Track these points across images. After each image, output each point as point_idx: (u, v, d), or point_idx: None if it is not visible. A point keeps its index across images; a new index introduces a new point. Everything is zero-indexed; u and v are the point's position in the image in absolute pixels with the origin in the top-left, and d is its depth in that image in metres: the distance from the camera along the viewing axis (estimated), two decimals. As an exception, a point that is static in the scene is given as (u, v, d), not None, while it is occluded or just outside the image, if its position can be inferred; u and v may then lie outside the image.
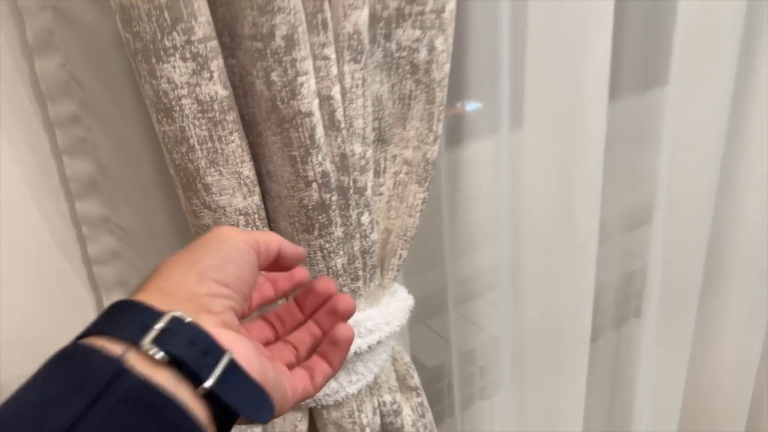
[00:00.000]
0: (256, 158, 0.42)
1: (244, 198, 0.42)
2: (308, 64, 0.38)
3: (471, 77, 0.60)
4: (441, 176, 0.65)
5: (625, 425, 0.93)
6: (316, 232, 0.43)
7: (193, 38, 0.36)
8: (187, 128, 0.38)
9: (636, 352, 0.84)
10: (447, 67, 0.47)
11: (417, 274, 0.69)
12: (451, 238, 0.68)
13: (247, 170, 0.41)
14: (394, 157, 0.49)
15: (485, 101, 0.62)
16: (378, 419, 0.52)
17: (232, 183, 0.41)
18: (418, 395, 0.57)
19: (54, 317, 0.51)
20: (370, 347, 0.48)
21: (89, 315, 0.50)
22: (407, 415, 0.56)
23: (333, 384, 0.48)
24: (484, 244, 0.70)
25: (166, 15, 0.35)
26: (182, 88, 0.37)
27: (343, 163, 0.42)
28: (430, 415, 0.59)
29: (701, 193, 0.80)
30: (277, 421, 0.50)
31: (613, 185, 0.75)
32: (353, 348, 0.47)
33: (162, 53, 0.36)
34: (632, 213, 0.80)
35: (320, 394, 0.48)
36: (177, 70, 0.36)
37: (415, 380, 0.57)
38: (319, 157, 0.40)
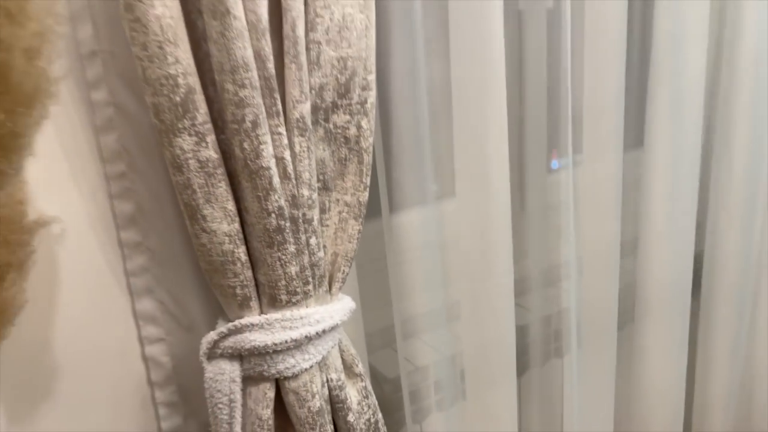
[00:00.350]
0: (236, 198, 0.64)
1: (228, 224, 0.64)
2: (267, 138, 0.61)
3: (399, 159, 0.82)
4: (385, 237, 0.86)
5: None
6: (275, 248, 0.64)
7: (196, 123, 0.59)
8: (191, 178, 0.61)
9: (559, 386, 1.01)
10: (371, 140, 0.69)
11: (375, 309, 0.89)
12: (396, 284, 0.89)
13: (230, 206, 0.63)
14: (338, 200, 0.71)
15: (416, 178, 0.84)
16: (326, 391, 0.71)
17: (220, 214, 0.63)
18: (362, 380, 0.76)
19: (99, 314, 0.72)
20: (317, 333, 0.68)
21: (127, 315, 0.73)
22: (353, 396, 0.75)
23: (291, 360, 0.68)
24: (423, 290, 0.90)
25: (180, 109, 0.58)
26: (188, 153, 0.60)
27: (294, 201, 0.64)
28: (373, 398, 0.77)
29: (607, 250, 0.99)
30: (253, 390, 0.69)
31: (532, 244, 0.95)
32: (305, 333, 0.67)
33: (177, 131, 0.59)
34: (550, 269, 0.99)
35: (282, 367, 0.68)
36: (185, 142, 0.59)
37: (360, 368, 0.76)
38: (275, 197, 0.62)
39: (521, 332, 0.98)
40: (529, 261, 0.98)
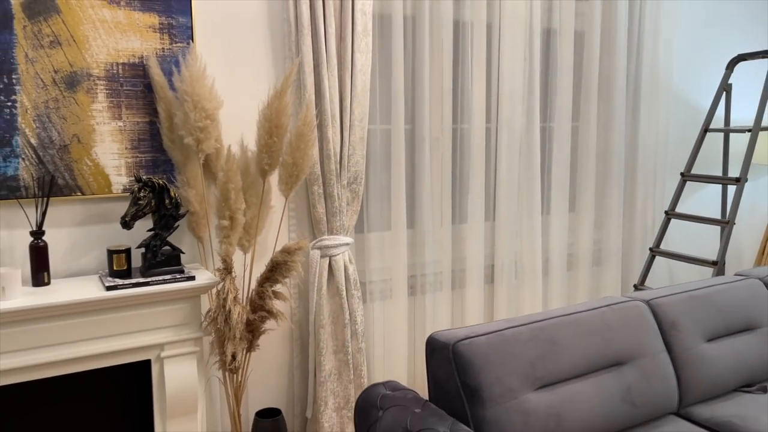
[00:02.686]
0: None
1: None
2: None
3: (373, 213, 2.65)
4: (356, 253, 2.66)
5: None
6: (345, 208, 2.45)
7: (315, 183, 2.42)
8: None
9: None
10: (362, 188, 2.51)
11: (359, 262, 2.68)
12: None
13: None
14: (353, 200, 2.51)
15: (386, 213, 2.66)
16: (342, 264, 2.46)
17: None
18: (352, 263, 2.51)
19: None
20: (344, 244, 2.44)
21: (284, 226, 2.52)
22: (350, 266, 2.49)
23: (335, 251, 2.43)
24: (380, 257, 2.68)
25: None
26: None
27: (351, 188, 2.45)
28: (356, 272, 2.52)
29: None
30: (323, 261, 2.45)
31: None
32: (340, 242, 2.43)
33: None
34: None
35: (332, 252, 2.44)
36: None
37: (352, 260, 2.51)
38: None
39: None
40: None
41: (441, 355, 1.76)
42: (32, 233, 1.91)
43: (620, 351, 1.96)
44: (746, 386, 2.22)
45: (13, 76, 1.91)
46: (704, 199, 3.75)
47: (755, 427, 1.92)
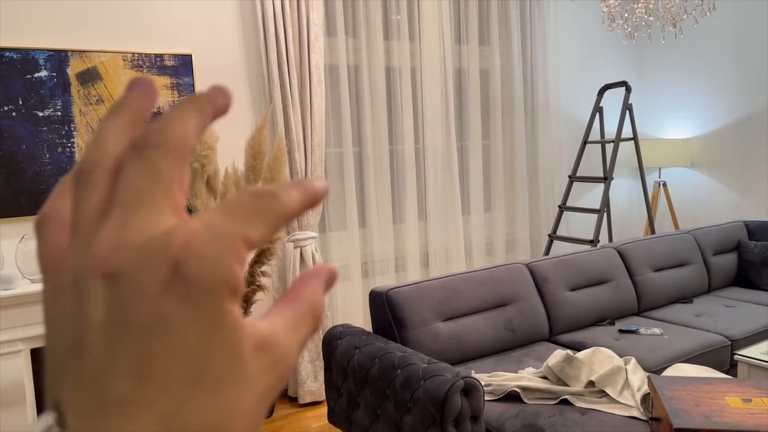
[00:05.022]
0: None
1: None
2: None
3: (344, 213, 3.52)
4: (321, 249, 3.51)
5: None
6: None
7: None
8: None
9: None
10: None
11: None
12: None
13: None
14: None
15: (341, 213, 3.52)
16: (310, 251, 3.32)
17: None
18: (318, 251, 3.36)
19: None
20: (310, 237, 3.30)
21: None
22: (317, 254, 3.34)
23: (305, 242, 3.29)
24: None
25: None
26: None
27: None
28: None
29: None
30: (295, 251, 3.30)
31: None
32: (308, 236, 3.29)
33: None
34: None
35: (302, 244, 3.28)
36: None
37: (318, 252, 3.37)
38: None
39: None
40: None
41: (378, 300, 2.62)
42: (88, 235, 2.72)
43: (504, 296, 2.85)
44: (600, 322, 3.13)
45: (72, 125, 2.73)
46: (597, 196, 4.73)
47: (597, 343, 2.82)
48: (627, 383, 2.14)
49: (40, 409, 2.61)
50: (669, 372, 2.21)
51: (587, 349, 2.31)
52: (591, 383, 2.15)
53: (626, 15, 2.27)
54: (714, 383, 1.87)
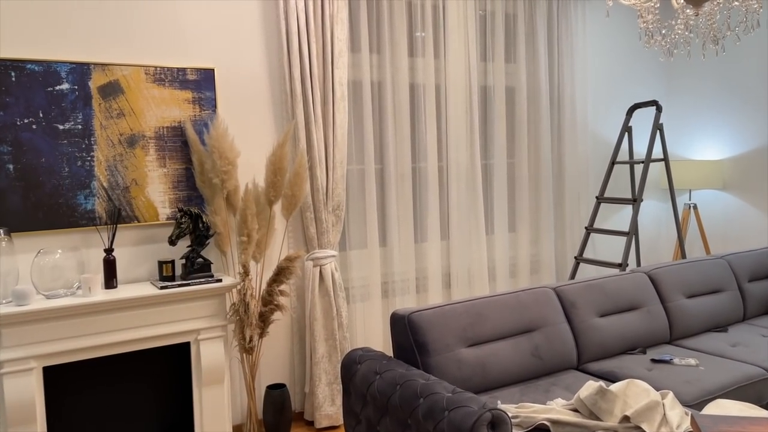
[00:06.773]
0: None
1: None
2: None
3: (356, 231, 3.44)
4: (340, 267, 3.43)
5: None
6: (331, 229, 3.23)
7: (307, 211, 3.21)
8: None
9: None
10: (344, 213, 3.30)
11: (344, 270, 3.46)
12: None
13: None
14: (334, 223, 3.29)
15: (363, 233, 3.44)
16: (330, 272, 3.23)
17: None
18: (338, 271, 3.28)
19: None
20: (330, 256, 3.22)
21: (285, 241, 3.29)
22: (336, 274, 3.26)
23: (324, 261, 3.20)
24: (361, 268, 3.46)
25: (305, 208, 3.20)
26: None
27: (336, 213, 3.23)
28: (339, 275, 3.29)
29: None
30: (315, 270, 3.22)
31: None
32: (328, 254, 3.21)
33: (304, 212, 3.20)
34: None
35: (322, 263, 3.20)
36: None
37: (337, 270, 3.28)
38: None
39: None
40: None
41: (400, 323, 2.52)
42: (105, 251, 2.66)
43: (531, 321, 2.73)
44: (630, 350, 3.00)
45: (92, 139, 2.69)
46: (625, 218, 4.59)
47: (629, 374, 2.69)
48: (665, 419, 2.01)
49: (50, 428, 2.54)
50: (710, 408, 2.08)
51: (621, 381, 2.18)
52: (626, 418, 2.03)
53: (664, 32, 2.19)
54: (762, 424, 1.74)
